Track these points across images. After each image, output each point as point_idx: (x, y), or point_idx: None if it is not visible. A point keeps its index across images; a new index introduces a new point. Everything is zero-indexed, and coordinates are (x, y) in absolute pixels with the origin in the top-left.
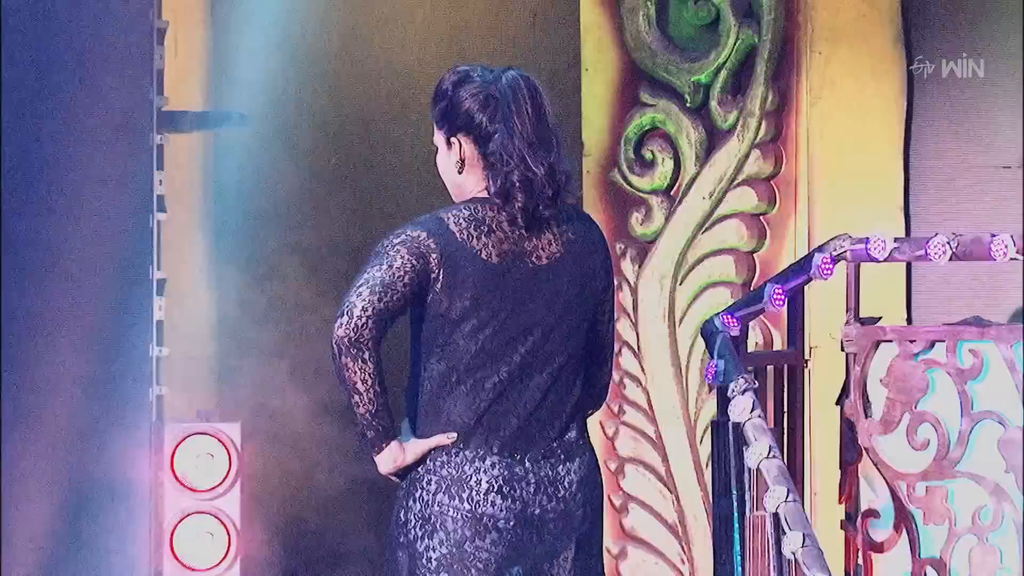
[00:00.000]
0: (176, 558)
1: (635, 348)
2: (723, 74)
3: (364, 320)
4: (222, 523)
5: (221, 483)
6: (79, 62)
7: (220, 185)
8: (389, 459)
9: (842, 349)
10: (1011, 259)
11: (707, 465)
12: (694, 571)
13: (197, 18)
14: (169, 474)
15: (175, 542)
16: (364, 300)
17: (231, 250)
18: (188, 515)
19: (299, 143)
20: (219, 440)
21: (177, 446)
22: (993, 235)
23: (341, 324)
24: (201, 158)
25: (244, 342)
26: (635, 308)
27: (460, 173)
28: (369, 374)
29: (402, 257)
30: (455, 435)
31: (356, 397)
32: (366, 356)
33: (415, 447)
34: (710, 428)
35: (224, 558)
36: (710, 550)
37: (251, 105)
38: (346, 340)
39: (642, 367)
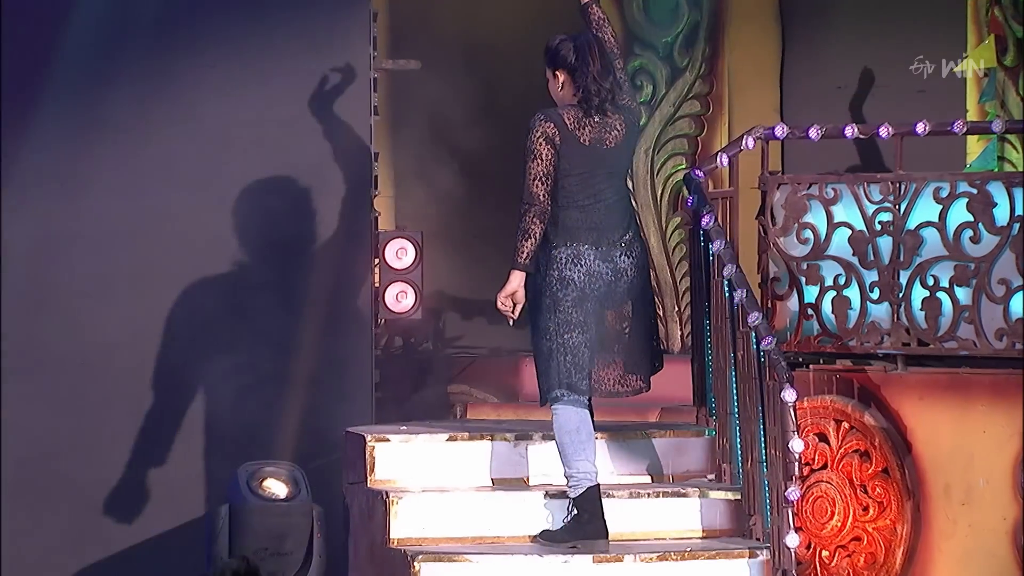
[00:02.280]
0: (386, 307)
1: (631, 186)
2: (680, 37)
3: (543, 198)
4: (414, 287)
5: (412, 265)
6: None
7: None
8: (516, 280)
9: (759, 188)
10: (856, 137)
11: (676, 262)
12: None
13: None
14: (383, 263)
15: (386, 299)
16: (540, 191)
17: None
18: (392, 282)
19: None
20: (411, 240)
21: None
22: (846, 125)
23: (532, 206)
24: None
25: None
26: (631, 165)
27: (560, 91)
28: (541, 231)
29: (544, 147)
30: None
31: (529, 240)
32: (543, 219)
33: (516, 280)
34: (688, 234)
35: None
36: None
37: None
38: (538, 212)
39: (635, 198)
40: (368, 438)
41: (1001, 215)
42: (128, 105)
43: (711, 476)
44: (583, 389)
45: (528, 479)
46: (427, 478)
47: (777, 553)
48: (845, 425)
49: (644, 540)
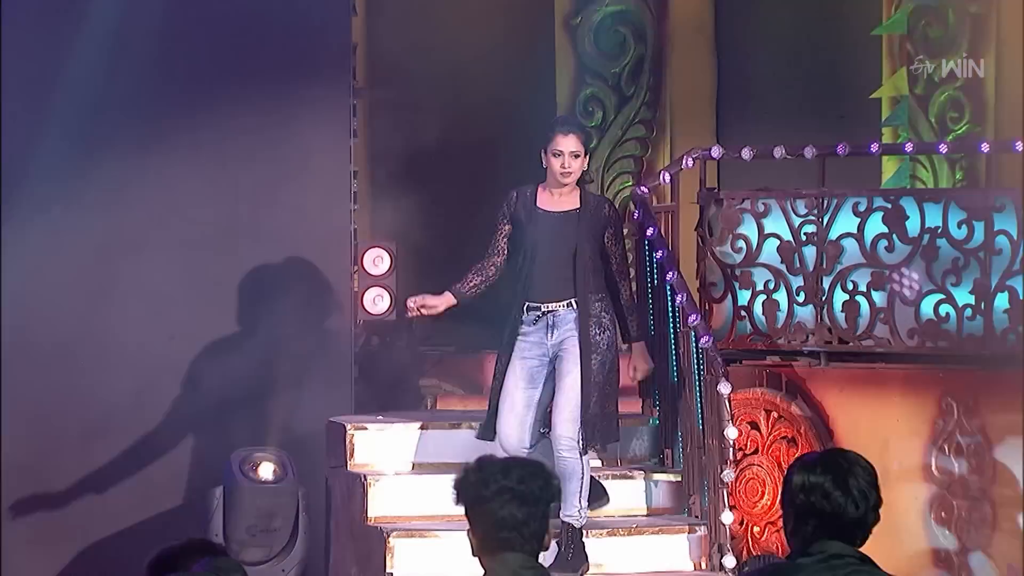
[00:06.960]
0: (364, 309)
1: None
2: (627, 68)
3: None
4: (389, 292)
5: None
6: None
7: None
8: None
9: (697, 203)
10: (783, 157)
11: None
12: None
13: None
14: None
15: (364, 302)
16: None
17: None
18: (370, 287)
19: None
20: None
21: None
22: (774, 146)
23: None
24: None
25: None
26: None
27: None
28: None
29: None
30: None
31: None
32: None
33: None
34: (634, 244)
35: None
36: None
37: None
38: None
39: None
40: (348, 426)
41: (912, 227)
42: (128, 132)
43: (655, 460)
44: None
45: None
46: (401, 462)
47: (713, 529)
48: (774, 415)
49: (594, 517)
